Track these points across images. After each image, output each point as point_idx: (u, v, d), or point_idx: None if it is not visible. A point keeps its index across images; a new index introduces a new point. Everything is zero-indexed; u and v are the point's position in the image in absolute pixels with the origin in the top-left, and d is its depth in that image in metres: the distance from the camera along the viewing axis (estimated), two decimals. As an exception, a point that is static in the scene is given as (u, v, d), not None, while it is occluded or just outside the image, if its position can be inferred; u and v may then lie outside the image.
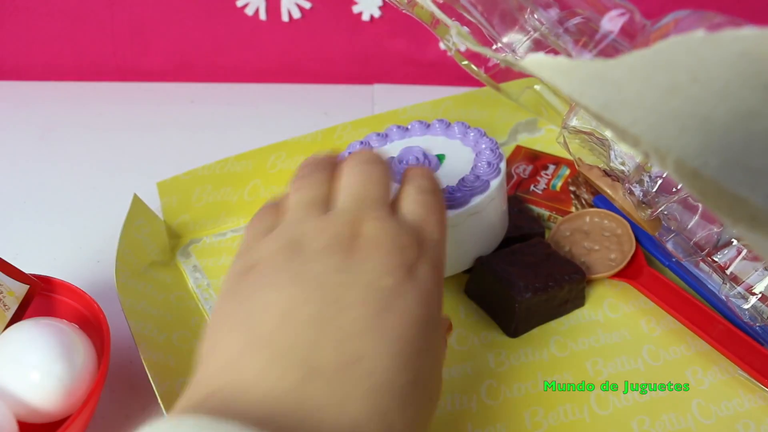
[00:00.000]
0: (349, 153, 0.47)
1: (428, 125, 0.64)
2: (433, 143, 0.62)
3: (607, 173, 0.59)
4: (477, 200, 0.55)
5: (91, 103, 0.91)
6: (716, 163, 0.25)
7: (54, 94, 0.93)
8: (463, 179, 0.56)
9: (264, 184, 0.69)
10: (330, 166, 0.43)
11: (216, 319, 0.36)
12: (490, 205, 0.57)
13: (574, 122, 0.58)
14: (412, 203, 0.41)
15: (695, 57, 0.25)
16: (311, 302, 0.33)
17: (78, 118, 0.87)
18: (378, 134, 0.64)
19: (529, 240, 0.60)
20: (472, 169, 0.58)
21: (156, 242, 0.63)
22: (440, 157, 0.60)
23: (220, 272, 0.63)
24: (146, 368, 0.47)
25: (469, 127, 0.62)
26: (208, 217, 0.67)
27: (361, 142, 0.64)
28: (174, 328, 0.55)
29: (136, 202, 0.60)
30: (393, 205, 0.40)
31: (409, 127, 0.64)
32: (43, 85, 0.95)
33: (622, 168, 0.56)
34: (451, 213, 0.55)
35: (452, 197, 0.55)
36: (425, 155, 0.59)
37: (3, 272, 0.50)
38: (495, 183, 0.57)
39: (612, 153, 0.56)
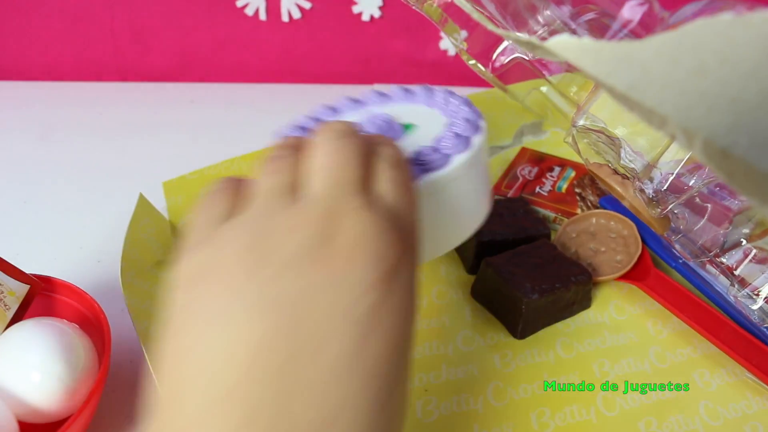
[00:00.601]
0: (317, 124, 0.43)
1: (410, 91, 0.54)
2: (410, 112, 0.52)
3: (616, 172, 0.59)
4: (430, 179, 0.44)
5: (91, 103, 0.90)
6: (746, 142, 0.24)
7: (54, 94, 0.93)
8: (417, 152, 0.44)
9: (269, 183, 0.68)
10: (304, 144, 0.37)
11: (172, 353, 0.30)
12: (450, 186, 0.45)
13: (582, 121, 0.57)
14: (387, 182, 0.35)
15: (724, 38, 0.25)
16: (281, 347, 0.27)
17: (78, 118, 0.86)
18: (340, 104, 0.54)
19: (535, 242, 0.60)
20: (434, 140, 0.47)
21: (161, 241, 0.62)
22: (407, 127, 0.49)
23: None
24: (152, 370, 0.47)
25: (453, 94, 0.52)
26: (212, 217, 0.66)
27: (332, 108, 0.54)
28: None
29: (142, 201, 0.60)
30: (366, 184, 0.34)
31: (390, 93, 0.54)
32: (43, 85, 0.94)
33: (633, 166, 0.55)
34: None
35: None
36: (389, 124, 0.48)
37: (3, 272, 0.49)
38: (460, 159, 0.45)
39: (622, 151, 0.55)
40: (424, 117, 0.51)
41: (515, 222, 0.62)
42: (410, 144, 0.47)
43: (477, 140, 0.47)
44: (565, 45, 0.28)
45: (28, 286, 0.51)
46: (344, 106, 0.53)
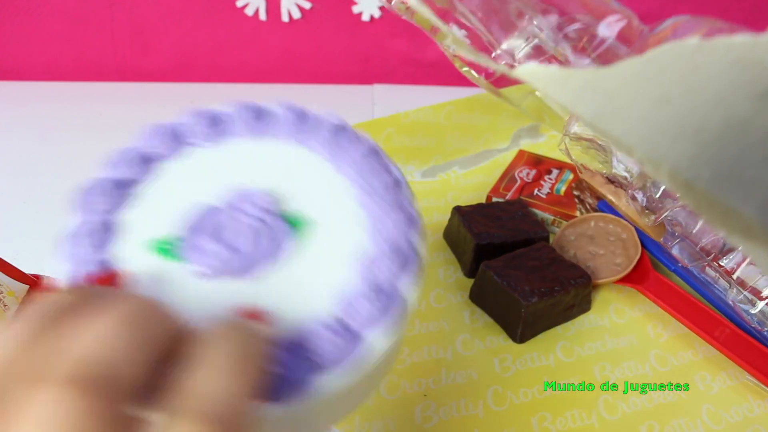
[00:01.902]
0: None
1: (264, 114, 0.37)
2: (288, 171, 0.33)
3: (610, 180, 0.59)
4: (326, 384, 0.27)
5: (91, 103, 0.90)
6: (708, 174, 0.24)
7: (54, 94, 0.92)
8: (301, 336, 0.27)
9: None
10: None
11: None
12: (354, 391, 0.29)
13: (575, 129, 0.57)
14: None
15: (689, 65, 0.24)
16: None
17: (78, 118, 0.86)
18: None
19: (534, 244, 0.59)
20: (344, 301, 0.29)
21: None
22: (295, 225, 0.31)
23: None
24: None
25: (357, 137, 0.34)
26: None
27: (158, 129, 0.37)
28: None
29: None
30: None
31: (234, 114, 0.37)
32: (43, 86, 0.94)
33: (625, 174, 0.55)
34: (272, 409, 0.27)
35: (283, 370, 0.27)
36: (267, 223, 0.30)
37: (3, 272, 0.49)
38: (378, 345, 0.28)
39: (614, 159, 0.55)
40: (319, 193, 0.32)
41: (513, 225, 0.62)
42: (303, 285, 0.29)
43: (412, 294, 0.30)
44: (533, 73, 0.28)
45: (28, 286, 0.51)
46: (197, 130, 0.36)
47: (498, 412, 0.50)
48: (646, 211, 0.54)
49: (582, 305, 0.57)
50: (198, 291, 0.29)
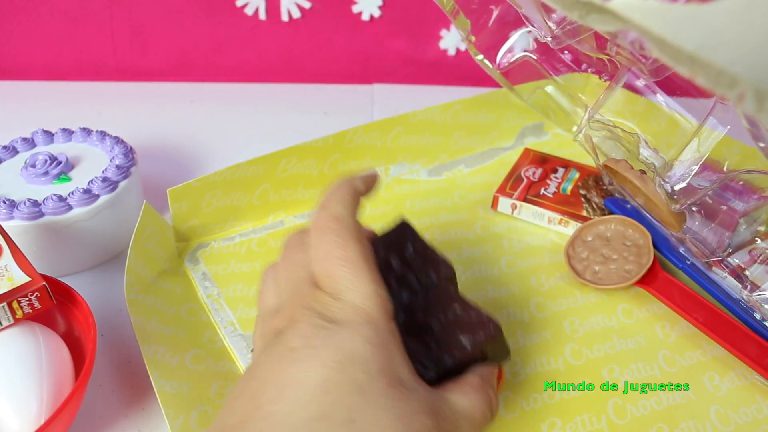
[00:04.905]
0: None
1: (72, 132, 0.71)
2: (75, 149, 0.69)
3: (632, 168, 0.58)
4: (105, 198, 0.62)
5: (91, 103, 0.90)
6: None
7: (54, 94, 0.92)
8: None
9: (273, 188, 0.67)
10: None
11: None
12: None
13: (599, 116, 0.57)
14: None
15: None
16: None
17: (78, 118, 0.86)
18: (24, 138, 0.70)
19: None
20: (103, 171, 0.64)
21: (165, 250, 0.61)
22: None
23: (229, 280, 0.61)
24: (159, 402, 0.47)
25: (107, 135, 0.71)
26: (216, 222, 0.65)
27: (5, 147, 0.68)
28: (186, 348, 0.53)
29: (147, 210, 0.59)
30: None
31: (55, 132, 0.71)
32: (43, 85, 0.94)
33: (652, 161, 0.55)
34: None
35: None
36: (52, 157, 0.65)
37: (14, 258, 0.51)
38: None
39: (641, 148, 0.55)
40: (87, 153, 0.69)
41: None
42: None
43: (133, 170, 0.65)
44: (629, 6, 0.29)
45: (29, 279, 0.50)
46: (17, 144, 0.69)
47: (509, 419, 0.50)
48: (674, 198, 0.53)
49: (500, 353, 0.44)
50: None
